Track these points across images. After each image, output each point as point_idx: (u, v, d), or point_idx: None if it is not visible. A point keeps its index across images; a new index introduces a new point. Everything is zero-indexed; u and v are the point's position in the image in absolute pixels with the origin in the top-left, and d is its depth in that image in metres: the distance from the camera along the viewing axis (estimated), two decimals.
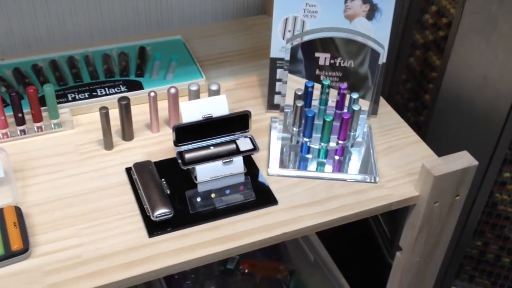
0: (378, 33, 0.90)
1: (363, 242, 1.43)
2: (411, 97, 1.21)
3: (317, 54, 0.88)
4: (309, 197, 0.84)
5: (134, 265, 0.74)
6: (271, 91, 0.98)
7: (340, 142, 0.89)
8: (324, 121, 0.86)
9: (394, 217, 1.30)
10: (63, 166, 0.87)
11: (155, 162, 0.86)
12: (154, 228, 0.78)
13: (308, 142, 0.89)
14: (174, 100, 0.92)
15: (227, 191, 0.82)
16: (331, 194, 0.85)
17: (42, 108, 0.91)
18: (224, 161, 0.84)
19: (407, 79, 1.22)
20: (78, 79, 1.00)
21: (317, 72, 0.90)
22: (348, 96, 0.90)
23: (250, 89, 1.04)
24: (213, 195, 0.82)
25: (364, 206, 0.84)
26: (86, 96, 0.97)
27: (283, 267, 1.27)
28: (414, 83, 1.19)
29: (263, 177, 0.87)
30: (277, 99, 0.98)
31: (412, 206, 0.87)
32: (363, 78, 0.89)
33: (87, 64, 1.03)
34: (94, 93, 0.97)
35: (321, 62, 0.89)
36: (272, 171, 0.88)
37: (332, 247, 1.28)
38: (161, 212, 0.78)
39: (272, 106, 0.99)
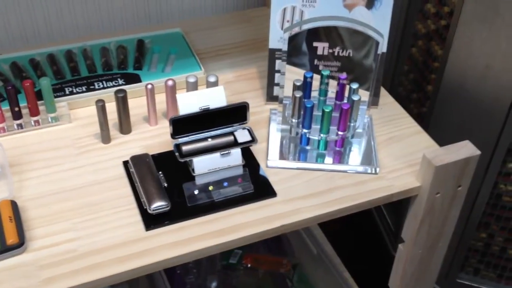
0: (378, 22, 0.88)
1: (367, 235, 1.42)
2: (414, 88, 1.19)
3: (315, 44, 0.87)
4: (308, 189, 0.83)
5: (131, 258, 0.73)
6: (270, 83, 0.97)
7: (340, 133, 0.87)
8: (323, 111, 0.85)
9: (398, 209, 1.28)
10: (60, 160, 0.86)
11: (153, 155, 0.85)
12: (151, 221, 0.77)
13: (308, 134, 0.88)
14: (171, 92, 0.91)
15: (225, 184, 0.81)
16: (331, 186, 0.84)
17: (39, 102, 0.90)
18: (222, 153, 0.83)
19: (409, 70, 1.20)
20: (75, 72, 0.99)
21: (316, 62, 0.88)
22: (347, 87, 0.88)
23: (250, 81, 1.03)
24: (211, 188, 0.81)
25: (364, 197, 0.82)
26: (84, 89, 0.96)
27: (286, 261, 1.26)
28: (417, 74, 1.17)
29: (262, 169, 0.86)
30: (276, 90, 0.97)
31: (413, 197, 0.86)
32: (362, 68, 0.88)
33: (85, 58, 1.02)
34: (92, 87, 0.96)
35: (319, 52, 0.87)
36: (271, 163, 0.87)
37: (336, 240, 1.27)
38: (158, 205, 0.77)
39: (271, 98, 0.98)
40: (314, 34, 0.86)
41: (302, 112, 0.87)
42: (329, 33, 0.86)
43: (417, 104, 1.18)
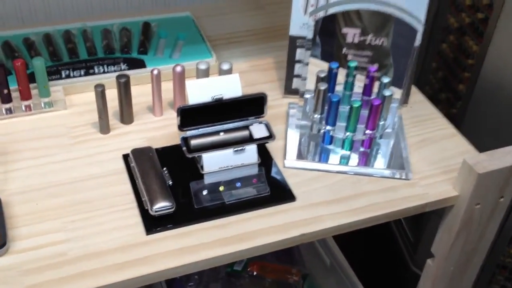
0: (412, 9, 0.79)
1: (382, 245, 1.34)
2: (443, 87, 1.11)
3: (344, 30, 0.78)
4: (331, 194, 0.75)
5: (128, 266, 0.65)
6: (289, 74, 0.88)
7: (368, 132, 0.78)
8: (351, 107, 0.76)
9: (418, 218, 1.20)
10: (52, 151, 0.79)
11: (156, 149, 0.78)
12: (153, 223, 0.70)
13: (331, 131, 0.79)
14: (180, 79, 0.82)
15: (238, 184, 0.74)
16: (357, 191, 0.75)
17: (31, 85, 0.83)
18: (235, 149, 0.75)
19: (438, 67, 1.11)
20: (74, 55, 0.90)
21: (344, 51, 0.79)
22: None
23: (265, 72, 0.95)
24: (221, 188, 0.73)
25: (395, 206, 0.73)
26: (82, 73, 0.88)
27: (296, 271, 1.17)
28: (447, 72, 1.09)
29: (279, 169, 0.77)
30: (295, 82, 0.88)
31: (448, 207, 0.77)
32: (388, 59, 0.79)
33: (84, 40, 0.94)
34: (91, 71, 0.88)
35: (349, 40, 0.78)
36: (289, 163, 0.78)
37: (349, 250, 1.18)
38: (162, 205, 0.69)
39: (289, 90, 0.89)
40: (334, 18, 0.77)
41: (326, 107, 0.78)
42: (349, 19, 0.77)
43: (446, 105, 1.09)
